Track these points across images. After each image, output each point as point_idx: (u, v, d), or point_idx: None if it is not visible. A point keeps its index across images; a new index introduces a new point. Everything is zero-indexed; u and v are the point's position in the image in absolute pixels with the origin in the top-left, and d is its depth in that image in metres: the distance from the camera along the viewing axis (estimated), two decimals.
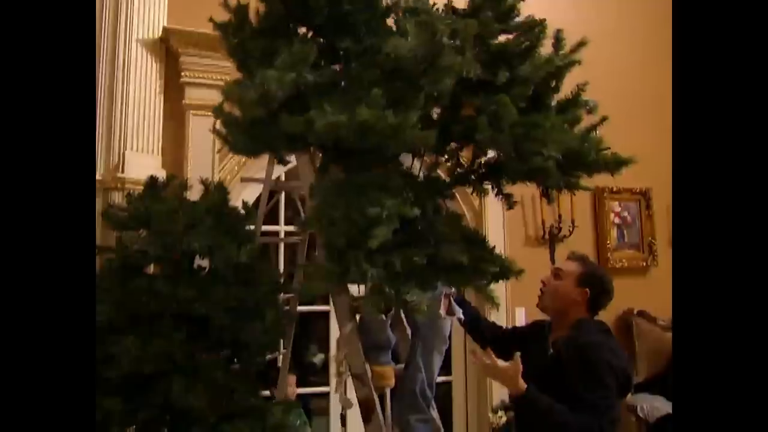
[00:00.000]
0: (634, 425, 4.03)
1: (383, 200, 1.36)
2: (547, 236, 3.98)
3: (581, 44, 1.70)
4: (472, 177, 1.76)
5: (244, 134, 1.58)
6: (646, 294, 4.29)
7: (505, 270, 1.58)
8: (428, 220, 1.51)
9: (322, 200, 1.49)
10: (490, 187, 1.77)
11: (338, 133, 1.32)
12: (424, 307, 1.39)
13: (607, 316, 4.12)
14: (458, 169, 1.79)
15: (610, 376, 2.05)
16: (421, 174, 1.72)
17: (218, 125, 1.67)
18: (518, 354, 2.06)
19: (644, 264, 4.37)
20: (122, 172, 2.78)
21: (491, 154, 1.71)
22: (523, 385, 2.04)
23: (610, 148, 1.65)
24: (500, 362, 2.05)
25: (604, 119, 1.67)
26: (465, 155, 1.81)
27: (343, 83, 1.50)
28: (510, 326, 2.82)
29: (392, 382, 2.00)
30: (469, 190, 1.81)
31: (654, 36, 4.51)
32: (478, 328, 2.41)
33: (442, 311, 2.10)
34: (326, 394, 3.55)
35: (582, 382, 2.00)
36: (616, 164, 1.63)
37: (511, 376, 2.04)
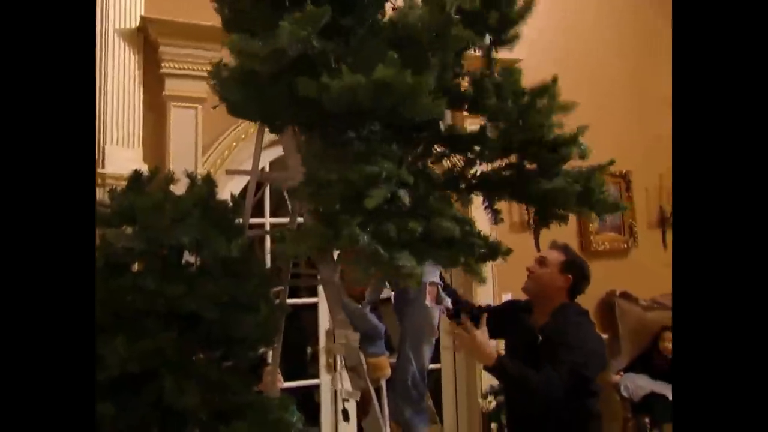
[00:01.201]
0: (620, 404, 4.03)
1: (382, 163, 1.32)
2: (531, 222, 3.93)
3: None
4: (462, 185, 1.74)
5: (245, 92, 1.51)
6: (628, 275, 4.31)
7: (494, 250, 1.56)
8: (420, 195, 1.47)
9: (317, 163, 1.44)
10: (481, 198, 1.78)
11: (355, 95, 1.26)
12: (419, 272, 1.33)
13: (591, 297, 4.17)
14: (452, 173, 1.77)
15: (582, 353, 2.26)
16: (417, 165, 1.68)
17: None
18: (485, 322, 2.26)
19: (625, 246, 4.38)
20: (103, 167, 2.67)
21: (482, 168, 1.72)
22: (493, 353, 2.21)
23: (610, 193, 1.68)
24: (475, 331, 2.21)
25: (611, 162, 1.68)
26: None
27: (350, 52, 1.43)
28: (485, 305, 2.91)
29: (388, 372, 1.92)
30: (455, 197, 1.78)
31: (632, 24, 4.51)
32: (456, 310, 2.44)
33: (429, 301, 2.03)
34: (317, 387, 3.47)
35: (556, 352, 2.21)
36: (612, 206, 1.69)
37: (482, 345, 2.22)
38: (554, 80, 1.60)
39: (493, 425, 3.52)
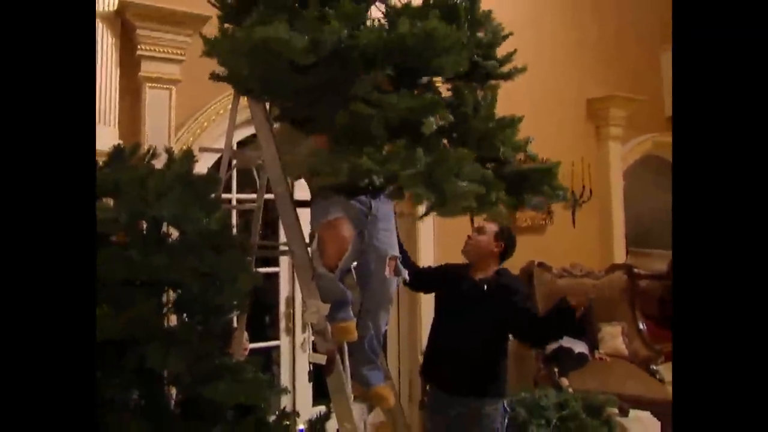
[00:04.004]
0: (533, 358, 4.10)
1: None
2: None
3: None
4: None
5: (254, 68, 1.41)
6: (544, 248, 4.36)
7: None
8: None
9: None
10: None
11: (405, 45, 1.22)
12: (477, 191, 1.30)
13: (515, 266, 4.19)
14: None
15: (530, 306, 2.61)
16: None
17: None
18: None
19: (543, 223, 4.44)
20: None
21: None
22: None
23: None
24: None
25: (558, 164, 1.63)
26: None
27: None
28: (426, 266, 2.95)
29: (355, 335, 1.85)
30: None
31: (559, 38, 4.55)
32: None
33: (389, 273, 1.95)
34: (276, 347, 3.35)
35: (522, 303, 2.48)
36: (561, 187, 1.64)
37: None
38: (520, 118, 1.59)
39: None
